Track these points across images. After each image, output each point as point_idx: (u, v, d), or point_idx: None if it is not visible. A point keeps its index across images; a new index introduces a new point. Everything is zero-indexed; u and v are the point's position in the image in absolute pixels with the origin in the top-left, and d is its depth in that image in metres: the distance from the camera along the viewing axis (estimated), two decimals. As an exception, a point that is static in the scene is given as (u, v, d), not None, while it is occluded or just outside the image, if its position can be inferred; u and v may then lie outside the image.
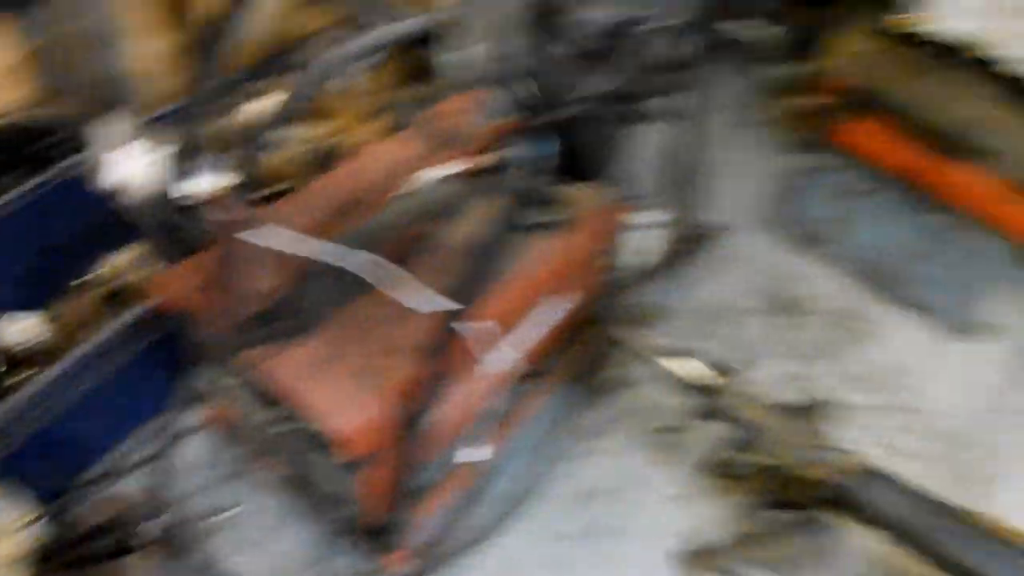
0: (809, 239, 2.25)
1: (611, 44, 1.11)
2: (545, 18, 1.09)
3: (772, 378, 1.82)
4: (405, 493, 1.15)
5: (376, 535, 1.24)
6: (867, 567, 1.62)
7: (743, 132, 2.61)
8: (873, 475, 1.33)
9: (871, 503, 1.29)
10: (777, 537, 1.42)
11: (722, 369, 1.41)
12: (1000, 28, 2.04)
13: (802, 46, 2.46)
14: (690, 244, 2.02)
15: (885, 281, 2.17)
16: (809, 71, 2.40)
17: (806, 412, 1.32)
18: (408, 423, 1.00)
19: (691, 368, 1.41)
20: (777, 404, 1.38)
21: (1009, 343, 2.09)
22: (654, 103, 1.29)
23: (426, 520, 1.35)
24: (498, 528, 1.55)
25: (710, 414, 1.39)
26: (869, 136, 2.27)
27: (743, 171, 2.48)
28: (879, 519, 1.29)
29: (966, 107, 2.15)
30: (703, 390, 1.40)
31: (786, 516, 1.43)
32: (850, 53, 2.28)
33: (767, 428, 1.28)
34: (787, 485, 1.31)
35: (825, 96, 2.32)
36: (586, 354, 1.46)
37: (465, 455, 1.29)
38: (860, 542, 1.58)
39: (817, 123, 2.34)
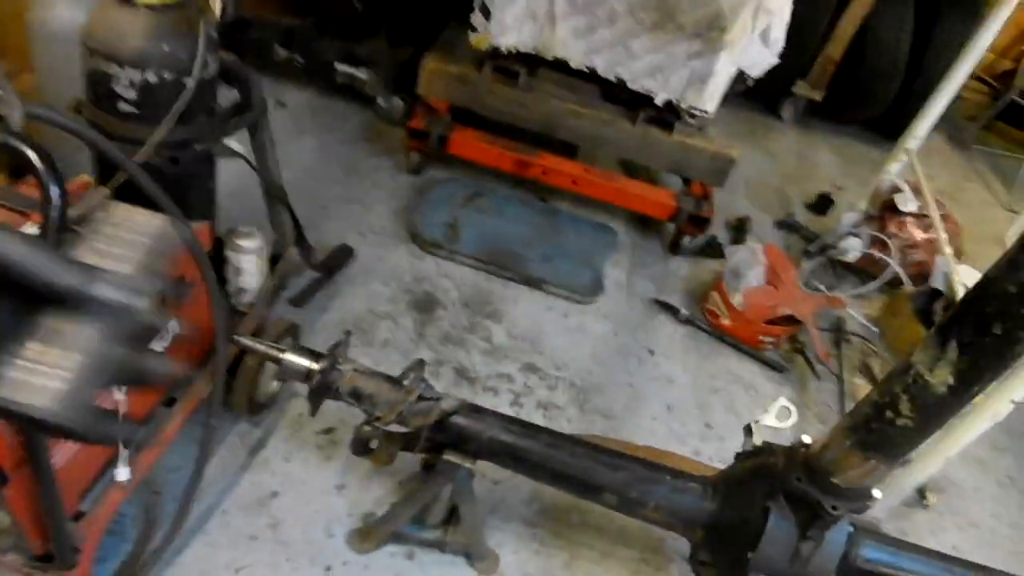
0: (435, 244, 2.60)
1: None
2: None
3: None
4: (57, 516, 1.19)
5: (45, 559, 1.26)
6: (526, 506, 1.98)
7: (371, 160, 2.95)
8: (471, 410, 1.61)
9: (475, 436, 1.59)
10: (424, 490, 1.69)
11: (317, 354, 1.57)
12: (544, 35, 2.55)
13: (403, 77, 2.84)
14: (322, 264, 2.25)
15: (507, 266, 2.59)
16: (411, 98, 2.78)
17: (406, 375, 1.57)
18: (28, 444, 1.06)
19: (290, 359, 1.57)
20: (377, 372, 1.57)
21: (613, 300, 2.63)
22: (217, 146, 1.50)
23: (96, 543, 1.39)
24: (178, 544, 1.61)
25: (317, 394, 1.56)
26: (472, 145, 2.70)
27: (375, 195, 2.80)
28: (484, 448, 1.60)
29: (546, 106, 2.65)
30: (306, 375, 1.58)
31: (424, 471, 1.71)
32: (444, 75, 2.67)
33: (374, 395, 1.51)
34: (411, 441, 1.56)
35: (429, 117, 2.72)
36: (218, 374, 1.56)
37: (113, 476, 1.37)
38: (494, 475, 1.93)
39: (428, 143, 2.72)
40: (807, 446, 1.56)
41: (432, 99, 2.72)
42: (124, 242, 0.81)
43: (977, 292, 1.16)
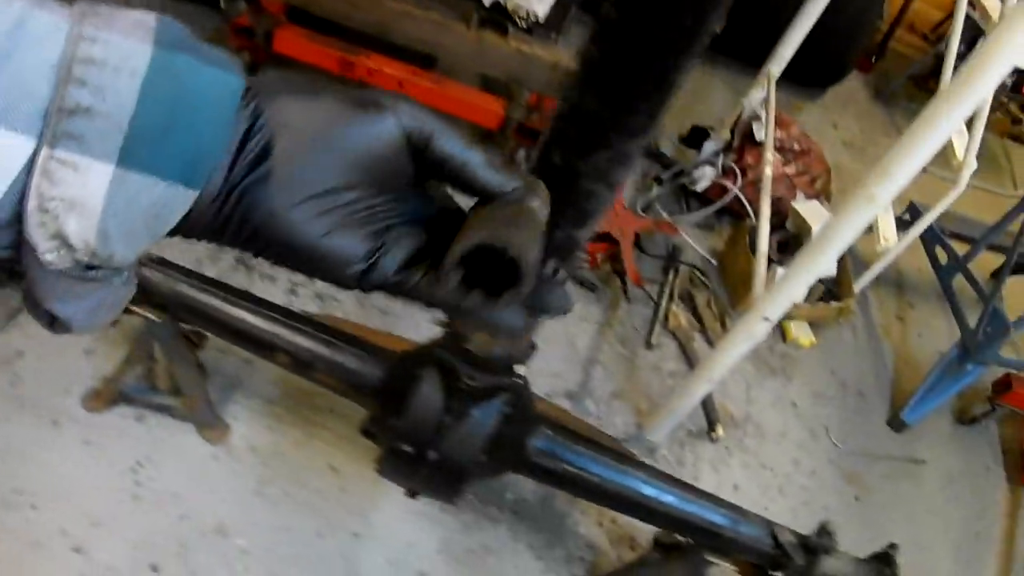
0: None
1: None
2: None
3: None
4: None
5: None
6: (272, 386, 2.01)
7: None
8: (157, 263, 1.64)
9: (157, 288, 1.62)
10: (136, 348, 1.76)
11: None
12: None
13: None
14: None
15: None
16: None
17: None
18: None
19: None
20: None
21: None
22: None
23: None
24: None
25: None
26: (297, 44, 2.69)
27: None
28: (169, 302, 1.63)
29: (377, 7, 2.60)
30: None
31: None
32: None
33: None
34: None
35: (256, 15, 2.72)
36: None
37: None
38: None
39: (254, 41, 2.74)
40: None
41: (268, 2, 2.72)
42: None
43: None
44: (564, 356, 2.31)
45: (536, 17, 2.48)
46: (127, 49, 0.36)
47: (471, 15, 2.57)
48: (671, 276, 2.58)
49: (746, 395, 2.40)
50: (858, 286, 2.65)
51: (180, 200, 0.39)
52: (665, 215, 2.72)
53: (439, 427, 1.51)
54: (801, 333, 2.58)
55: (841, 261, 2.65)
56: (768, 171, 2.26)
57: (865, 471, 2.35)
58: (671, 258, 2.64)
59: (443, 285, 0.44)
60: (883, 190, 1.54)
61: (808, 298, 2.58)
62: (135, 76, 0.36)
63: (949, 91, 1.42)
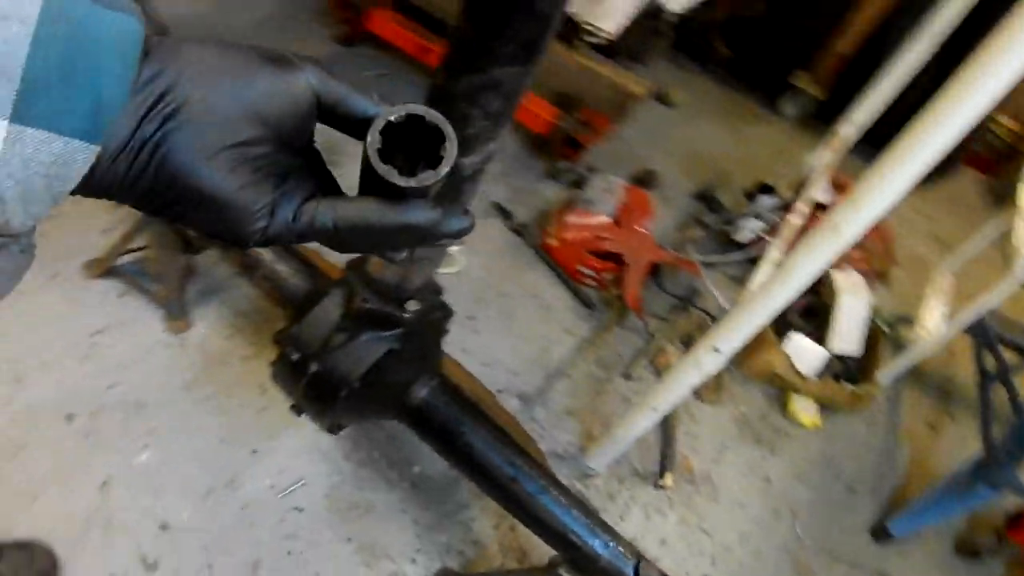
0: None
1: None
2: None
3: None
4: None
5: None
6: (247, 301, 2.15)
7: (312, 26, 3.24)
8: None
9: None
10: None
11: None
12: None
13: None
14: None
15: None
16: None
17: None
18: None
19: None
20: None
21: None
22: None
23: None
24: None
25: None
26: (386, 24, 2.89)
27: (293, 48, 3.04)
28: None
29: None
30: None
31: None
32: None
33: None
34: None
35: None
36: None
37: None
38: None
39: (352, 15, 2.97)
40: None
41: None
42: None
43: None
44: (531, 358, 2.29)
45: (606, 33, 2.53)
46: None
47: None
48: (680, 316, 2.50)
49: (717, 454, 2.27)
50: (887, 376, 2.45)
51: (81, 156, 0.37)
52: (695, 256, 2.65)
53: (327, 340, 1.55)
54: (804, 410, 2.41)
55: (871, 342, 2.47)
56: (794, 220, 2.16)
57: (820, 570, 2.14)
58: (686, 299, 2.57)
59: (370, 153, 0.43)
60: (848, 222, 1.44)
61: (821, 374, 2.42)
62: (26, 23, 0.33)
63: None
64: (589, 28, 2.55)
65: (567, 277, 2.50)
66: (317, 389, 1.58)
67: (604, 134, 2.78)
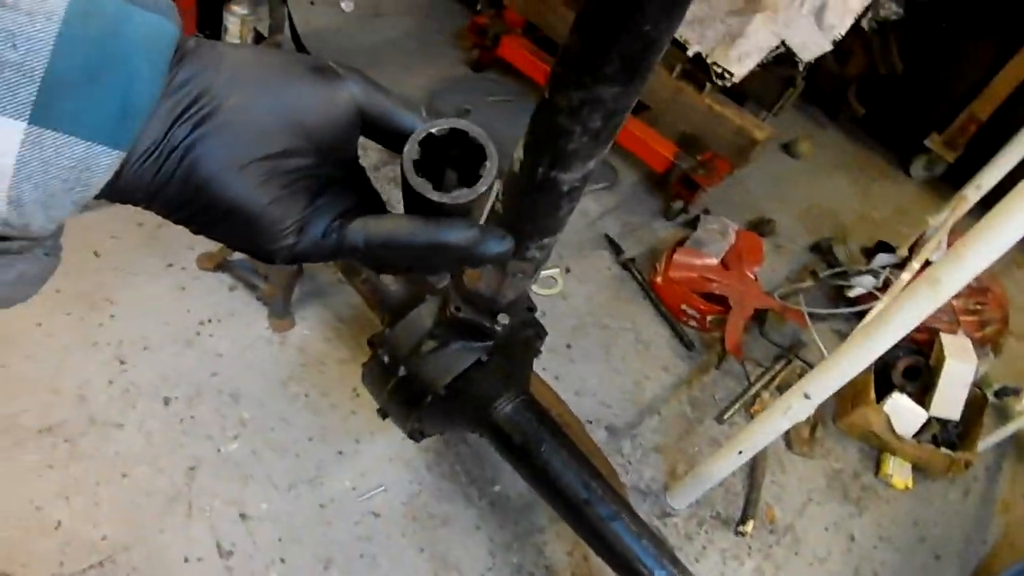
0: (438, 112, 2.88)
1: None
2: None
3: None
4: None
5: None
6: (347, 307, 2.23)
7: (445, 48, 3.38)
8: None
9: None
10: None
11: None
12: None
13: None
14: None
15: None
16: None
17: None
18: None
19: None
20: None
21: (570, 226, 2.74)
22: None
23: None
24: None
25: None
26: (517, 52, 2.98)
27: (426, 70, 3.19)
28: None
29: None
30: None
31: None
32: None
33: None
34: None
35: (492, 17, 3.06)
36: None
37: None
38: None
39: (484, 39, 3.07)
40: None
41: (511, 10, 3.05)
42: None
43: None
44: (624, 392, 2.27)
45: (733, 76, 2.52)
46: None
47: (675, 63, 2.68)
48: (780, 365, 2.42)
49: (802, 508, 2.17)
50: (988, 445, 2.31)
51: (105, 162, 0.35)
52: (802, 306, 2.56)
53: (418, 346, 1.59)
54: (898, 472, 2.27)
55: (974, 409, 2.33)
56: (904, 276, 2.07)
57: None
58: (789, 349, 2.48)
59: (406, 170, 0.42)
60: (949, 276, 1.38)
61: (918, 435, 2.28)
62: (52, 19, 0.31)
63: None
64: (716, 69, 2.54)
65: (670, 315, 2.47)
66: (403, 392, 1.62)
67: (723, 177, 2.74)
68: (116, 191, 0.38)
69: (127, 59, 0.34)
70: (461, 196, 0.41)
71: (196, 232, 0.43)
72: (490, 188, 0.43)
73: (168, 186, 0.39)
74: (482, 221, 0.48)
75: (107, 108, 0.34)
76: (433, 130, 0.41)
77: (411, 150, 0.41)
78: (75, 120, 0.33)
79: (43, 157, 0.32)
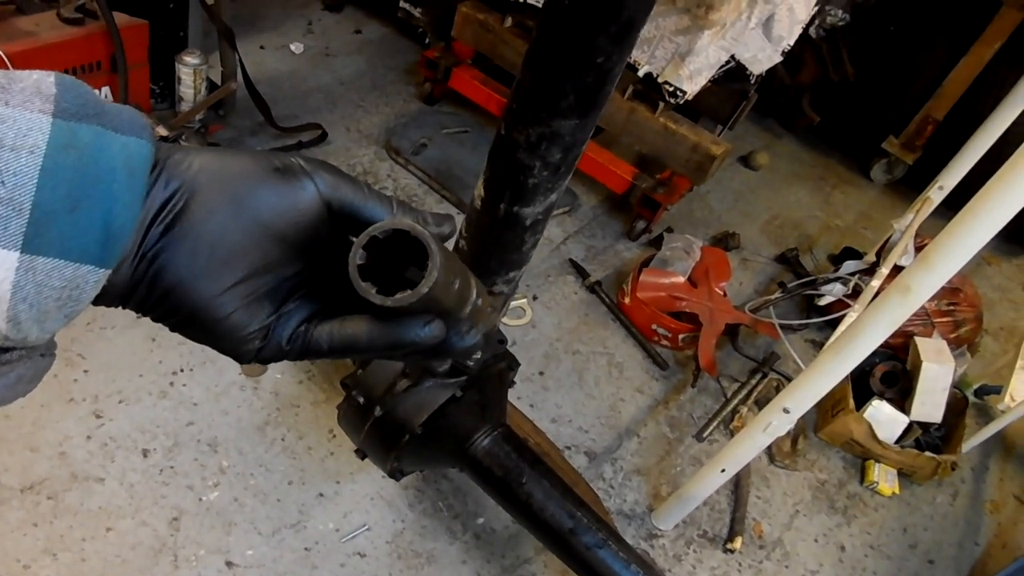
0: (397, 150, 2.99)
1: None
2: None
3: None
4: None
5: None
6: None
7: (399, 85, 3.46)
8: None
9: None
10: None
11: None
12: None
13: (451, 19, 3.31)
14: (288, 128, 2.82)
15: (449, 188, 2.90)
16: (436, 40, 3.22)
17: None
18: None
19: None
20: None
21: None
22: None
23: None
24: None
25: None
26: (469, 83, 3.06)
27: (381, 108, 3.27)
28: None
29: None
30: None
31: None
32: (472, 21, 2.97)
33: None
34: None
35: (443, 51, 3.15)
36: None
37: None
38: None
39: (436, 72, 3.16)
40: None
41: (460, 43, 3.13)
42: None
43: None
44: (601, 417, 2.33)
45: (684, 94, 2.62)
46: (24, 124, 0.34)
47: (627, 85, 2.78)
48: (756, 379, 2.50)
49: (789, 521, 2.24)
50: (972, 446, 2.40)
51: (93, 279, 0.38)
52: (773, 318, 2.65)
53: (391, 385, 1.65)
54: (883, 478, 2.35)
55: (955, 410, 2.41)
56: (875, 283, 2.16)
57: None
58: (764, 362, 2.56)
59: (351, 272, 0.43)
60: (920, 283, 1.45)
61: (901, 440, 2.36)
62: (35, 154, 0.34)
63: None
64: (668, 88, 2.64)
65: (641, 336, 2.54)
66: (380, 432, 1.67)
67: (683, 194, 2.84)
68: (101, 298, 0.41)
69: (107, 185, 0.37)
70: (404, 299, 0.42)
71: (172, 330, 0.45)
72: (451, 283, 0.45)
73: (138, 289, 0.42)
74: (466, 309, 0.50)
75: (91, 233, 0.36)
76: (376, 233, 0.42)
77: (355, 255, 0.42)
78: (62, 246, 0.35)
79: (36, 280, 0.35)
